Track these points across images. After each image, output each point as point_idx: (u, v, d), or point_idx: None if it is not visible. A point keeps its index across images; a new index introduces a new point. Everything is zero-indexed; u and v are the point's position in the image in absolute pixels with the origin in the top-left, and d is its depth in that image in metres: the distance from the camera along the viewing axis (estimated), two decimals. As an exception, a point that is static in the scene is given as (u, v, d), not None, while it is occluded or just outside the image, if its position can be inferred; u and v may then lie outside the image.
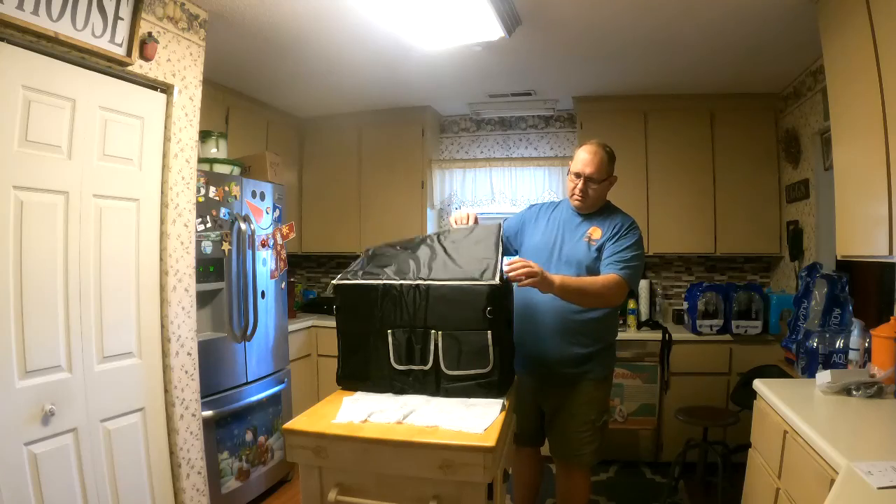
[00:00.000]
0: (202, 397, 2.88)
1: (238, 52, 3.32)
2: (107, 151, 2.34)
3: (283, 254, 3.75)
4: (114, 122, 2.36)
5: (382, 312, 2.10)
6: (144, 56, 2.39)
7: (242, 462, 3.29)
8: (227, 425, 3.19)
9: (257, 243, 3.45)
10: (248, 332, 3.36)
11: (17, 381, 2.00)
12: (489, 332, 1.99)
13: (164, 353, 2.63)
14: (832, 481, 1.52)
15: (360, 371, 2.17)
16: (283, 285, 3.78)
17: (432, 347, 2.05)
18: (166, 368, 2.64)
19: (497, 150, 4.98)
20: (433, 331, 2.05)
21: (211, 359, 3.07)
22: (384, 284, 2.10)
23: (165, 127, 2.61)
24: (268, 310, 3.58)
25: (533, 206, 2.85)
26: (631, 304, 4.16)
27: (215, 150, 3.45)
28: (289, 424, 1.85)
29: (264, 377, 3.54)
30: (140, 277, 2.51)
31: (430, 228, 4.75)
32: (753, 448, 2.37)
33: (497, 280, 1.99)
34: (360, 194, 4.84)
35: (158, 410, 2.60)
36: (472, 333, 2.01)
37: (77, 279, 2.23)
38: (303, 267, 5.47)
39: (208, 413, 2.99)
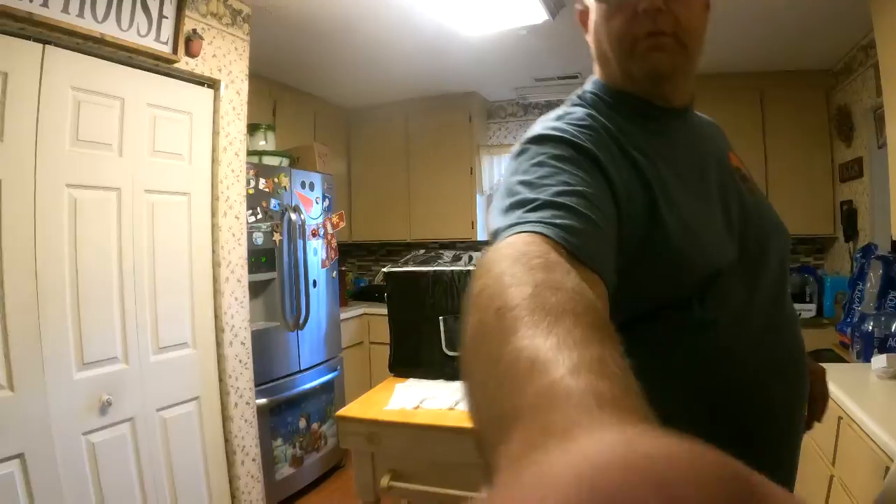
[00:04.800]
0: (256, 385, 2.93)
1: (283, 45, 3.35)
2: (157, 147, 2.39)
3: (334, 243, 3.79)
4: (163, 119, 2.41)
5: (434, 299, 2.11)
6: (190, 53, 2.43)
7: (296, 449, 3.36)
8: (280, 413, 3.25)
9: (308, 233, 3.49)
10: (301, 321, 3.41)
11: (76, 373, 2.07)
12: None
13: (219, 343, 2.69)
14: (887, 469, 1.47)
15: (412, 358, 2.19)
16: (335, 274, 3.82)
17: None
18: (220, 358, 2.70)
19: None
20: None
21: (264, 348, 3.13)
22: (434, 271, 2.10)
23: (213, 121, 2.65)
24: (319, 298, 3.63)
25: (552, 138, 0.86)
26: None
27: (264, 142, 3.50)
28: (342, 411, 1.88)
29: (317, 365, 3.59)
30: (193, 269, 2.57)
31: (480, 215, 4.72)
32: (807, 434, 2.29)
33: None
34: (409, 182, 4.85)
35: (213, 399, 2.67)
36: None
37: (131, 273, 2.30)
38: (353, 255, 5.53)
39: (262, 401, 3.05)
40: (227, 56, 2.68)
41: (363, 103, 4.91)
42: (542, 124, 0.85)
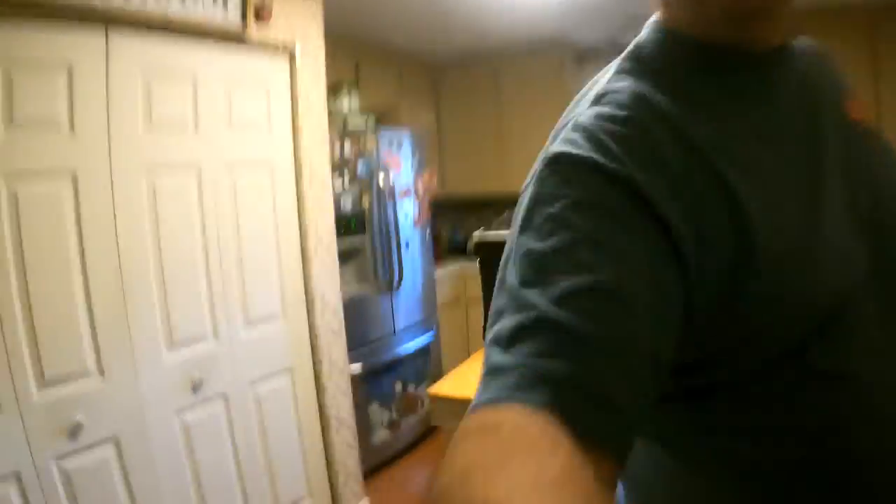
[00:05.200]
0: (350, 351, 2.91)
1: (362, 1, 3.18)
2: (234, 120, 2.32)
3: (426, 202, 3.67)
4: (238, 90, 2.34)
5: None
6: (261, 20, 2.32)
7: (392, 413, 3.35)
8: (376, 378, 3.23)
9: (398, 194, 3.38)
10: (395, 284, 3.35)
11: (166, 354, 2.08)
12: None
13: (310, 314, 2.66)
14: None
15: None
16: (428, 232, 3.72)
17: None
18: (312, 328, 2.67)
19: None
20: None
21: (358, 313, 3.09)
22: None
23: (291, 88, 2.55)
24: (413, 259, 3.55)
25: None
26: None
27: (347, 103, 3.39)
28: (434, 388, 1.83)
29: (412, 327, 3.54)
30: (280, 241, 2.52)
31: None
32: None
33: None
34: (502, 132, 4.62)
35: (306, 370, 2.66)
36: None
37: (216, 249, 2.27)
38: (447, 210, 5.39)
39: (357, 367, 3.03)
40: (300, 19, 2.54)
41: (450, 57, 4.68)
42: (572, 126, 0.59)
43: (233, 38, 2.28)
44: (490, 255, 2.06)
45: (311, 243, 2.63)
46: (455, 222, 5.38)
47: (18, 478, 1.68)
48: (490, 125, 4.66)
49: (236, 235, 2.34)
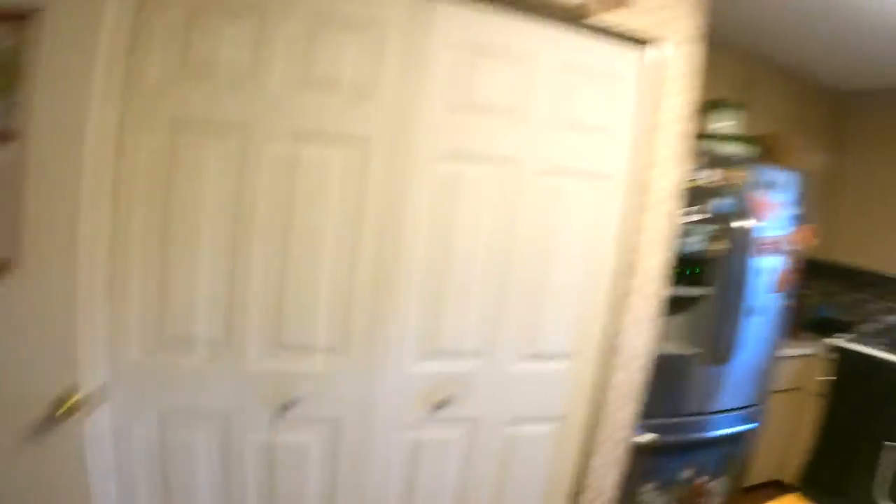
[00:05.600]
0: (644, 419, 2.42)
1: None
2: (564, 118, 1.95)
3: (797, 263, 2.89)
4: (576, 83, 1.95)
5: None
6: (621, 3, 1.86)
7: (668, 499, 2.74)
8: (663, 454, 2.65)
9: (760, 246, 2.69)
10: (725, 355, 2.70)
11: (416, 358, 1.90)
12: None
13: (606, 365, 2.20)
14: None
15: (835, 481, 1.44)
16: (787, 301, 2.95)
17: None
18: (604, 383, 2.21)
19: None
20: None
21: (668, 377, 2.55)
22: None
23: (649, 89, 2.06)
24: (759, 330, 2.83)
25: None
26: None
27: (721, 124, 2.76)
28: None
29: (730, 410, 2.85)
30: (592, 270, 2.10)
31: None
32: None
33: None
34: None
35: (579, 426, 2.23)
36: None
37: (508, 263, 1.96)
38: (821, 276, 4.33)
39: (646, 437, 2.51)
40: (671, 9, 2.02)
41: (862, 86, 3.65)
42: None
43: (579, 19, 1.87)
44: (850, 367, 1.41)
45: (635, 283, 2.15)
46: (828, 293, 4.33)
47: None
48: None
49: (541, 253, 1.99)
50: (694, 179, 2.38)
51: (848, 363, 1.41)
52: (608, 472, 2.32)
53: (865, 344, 1.34)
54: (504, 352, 2.02)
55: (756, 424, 2.96)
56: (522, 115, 1.89)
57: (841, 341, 1.40)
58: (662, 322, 2.36)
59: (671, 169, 2.14)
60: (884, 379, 1.33)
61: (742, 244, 2.59)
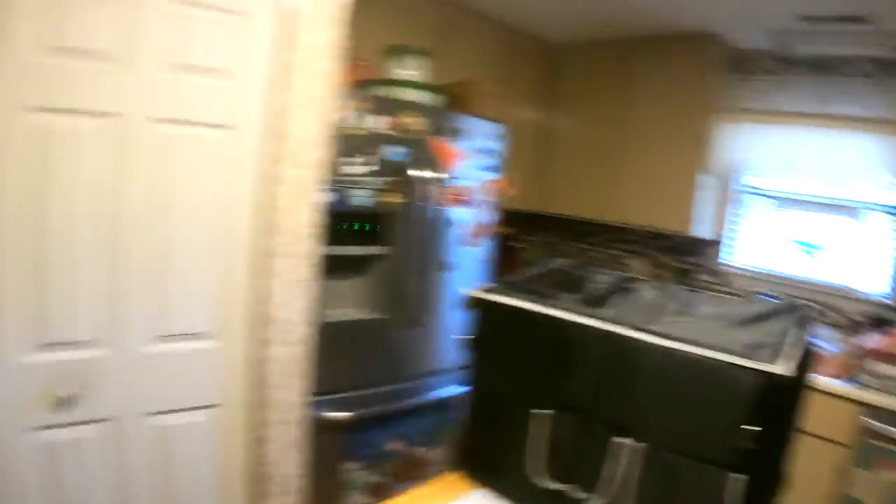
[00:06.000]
0: (336, 393, 2.26)
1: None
2: (182, 60, 1.64)
3: (492, 215, 2.83)
4: (196, 20, 1.65)
5: (546, 370, 1.17)
6: None
7: (380, 476, 2.56)
8: (364, 429, 2.46)
9: (446, 197, 2.57)
10: (417, 317, 2.55)
11: (25, 356, 1.51)
12: (741, 475, 0.94)
13: (258, 341, 1.93)
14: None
15: (492, 458, 1.30)
16: (491, 255, 2.88)
17: (618, 470, 1.04)
18: (259, 361, 1.94)
19: (808, 103, 3.36)
20: (627, 439, 1.03)
21: (351, 346, 2.35)
22: (563, 319, 1.13)
23: (285, 28, 1.80)
24: (451, 287, 2.72)
25: None
26: None
27: (406, 71, 2.61)
28: None
29: (436, 374, 2.72)
30: (231, 236, 1.82)
31: (707, 205, 3.46)
32: None
33: (783, 367, 0.88)
34: (621, 145, 3.67)
35: (240, 412, 1.94)
36: (701, 468, 0.99)
37: (128, 231, 1.63)
38: (541, 228, 4.46)
39: (342, 415, 2.32)
40: None
41: (573, 38, 3.78)
42: None
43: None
44: (493, 324, 1.27)
45: (279, 244, 1.89)
46: (550, 245, 4.47)
47: None
48: (605, 134, 3.74)
49: (163, 217, 1.67)
50: (358, 127, 2.17)
51: (489, 318, 1.25)
52: (288, 457, 2.08)
53: (508, 294, 1.19)
54: (133, 337, 1.69)
55: (463, 387, 2.87)
56: (129, 60, 1.55)
57: (478, 291, 1.25)
58: (329, 286, 2.15)
59: (315, 114, 1.90)
60: (528, 335, 1.17)
61: (423, 196, 2.44)
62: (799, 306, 1.20)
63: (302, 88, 1.85)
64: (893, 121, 3.08)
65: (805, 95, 3.38)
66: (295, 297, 1.95)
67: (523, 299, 1.20)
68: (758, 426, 0.89)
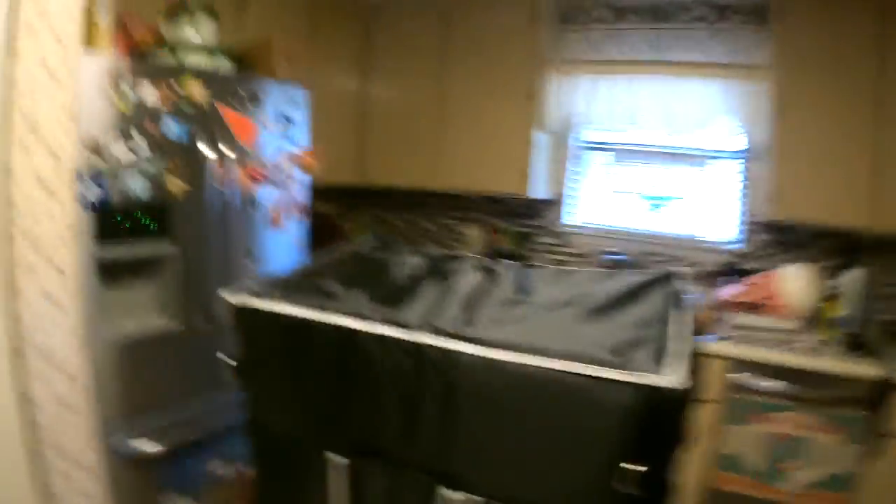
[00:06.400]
0: (141, 422, 1.92)
1: None
2: None
3: (301, 193, 2.52)
4: None
5: (337, 399, 0.90)
6: None
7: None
8: (184, 456, 2.09)
9: (244, 177, 2.21)
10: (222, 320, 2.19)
11: None
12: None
13: (20, 377, 1.50)
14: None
15: None
16: (302, 238, 2.58)
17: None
18: (26, 402, 1.52)
19: (645, 52, 3.33)
20: (457, 493, 0.81)
21: (157, 364, 2.01)
22: (351, 329, 0.86)
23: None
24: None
25: None
26: (830, 307, 2.63)
27: (188, 32, 2.20)
28: None
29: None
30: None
31: (544, 164, 3.37)
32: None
33: (673, 375, 0.68)
34: (442, 106, 3.46)
35: (15, 460, 1.52)
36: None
37: None
38: (368, 202, 4.15)
39: (152, 446, 1.94)
40: None
41: None
42: None
43: None
44: (261, 341, 0.97)
45: (22, 256, 1.47)
46: (378, 219, 4.18)
47: None
48: (429, 97, 3.50)
49: None
50: (128, 100, 1.76)
51: (257, 332, 0.96)
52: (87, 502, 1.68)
53: (281, 296, 0.90)
54: None
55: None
56: None
57: (238, 295, 0.95)
58: (111, 297, 1.76)
59: (56, 90, 1.48)
60: (308, 353, 0.89)
61: (215, 178, 2.08)
62: (668, 274, 1.04)
63: (31, 59, 1.43)
64: (734, 65, 3.09)
65: (641, 44, 3.32)
66: (53, 317, 1.54)
67: (299, 303, 0.92)
68: (642, 461, 0.68)
